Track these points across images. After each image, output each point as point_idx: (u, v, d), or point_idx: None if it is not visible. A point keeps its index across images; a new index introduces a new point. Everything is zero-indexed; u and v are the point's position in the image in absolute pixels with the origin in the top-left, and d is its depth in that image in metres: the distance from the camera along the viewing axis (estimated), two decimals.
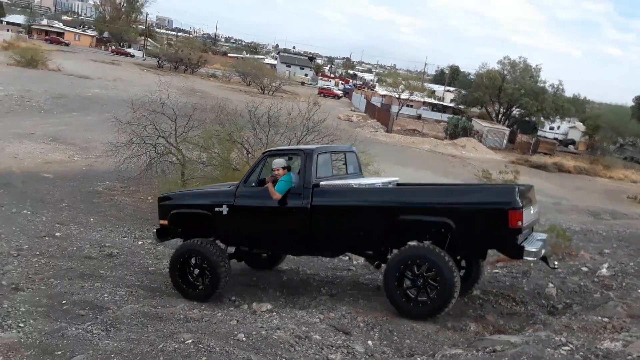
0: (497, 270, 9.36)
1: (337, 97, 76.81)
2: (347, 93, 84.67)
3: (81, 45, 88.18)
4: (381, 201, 6.53)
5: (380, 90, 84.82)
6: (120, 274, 8.40)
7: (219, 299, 7.57)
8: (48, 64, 45.03)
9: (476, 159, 40.81)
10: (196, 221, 7.52)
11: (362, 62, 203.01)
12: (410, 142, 44.92)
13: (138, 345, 4.79)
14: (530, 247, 5.89)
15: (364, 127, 47.36)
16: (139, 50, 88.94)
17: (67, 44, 79.62)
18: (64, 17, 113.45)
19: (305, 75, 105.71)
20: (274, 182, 6.96)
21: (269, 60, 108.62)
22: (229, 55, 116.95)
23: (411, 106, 69.65)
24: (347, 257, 10.23)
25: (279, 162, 7.02)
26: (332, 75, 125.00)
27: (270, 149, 7.90)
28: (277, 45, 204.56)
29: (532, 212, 6.36)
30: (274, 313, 6.17)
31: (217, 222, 7.25)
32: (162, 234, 7.96)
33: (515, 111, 62.80)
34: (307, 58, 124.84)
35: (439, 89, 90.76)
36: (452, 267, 5.89)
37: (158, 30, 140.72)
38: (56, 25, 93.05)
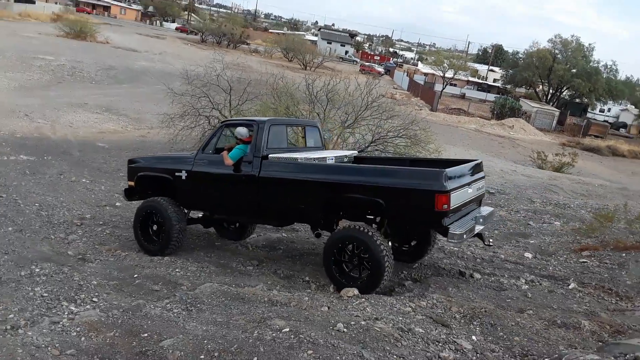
0: (584, 260, 8.63)
1: (379, 74, 75.37)
2: (388, 71, 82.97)
3: (127, 19, 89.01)
4: (319, 177, 6.59)
5: (423, 68, 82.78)
6: (187, 247, 8.05)
7: (292, 279, 7.14)
8: (96, 36, 45.36)
9: (525, 140, 39.36)
10: (159, 184, 7.82)
11: (402, 41, 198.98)
12: (455, 121, 43.69)
13: (229, 330, 4.36)
14: (456, 229, 5.95)
15: (408, 105, 46.22)
16: (183, 24, 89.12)
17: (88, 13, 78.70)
18: None
19: (346, 52, 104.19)
20: (230, 150, 7.11)
21: (309, 37, 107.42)
22: (269, 31, 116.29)
23: (455, 85, 67.80)
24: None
25: (240, 132, 7.17)
26: (372, 53, 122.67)
27: (228, 119, 7.85)
28: (316, 22, 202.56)
29: (469, 191, 6.49)
30: (363, 299, 5.66)
31: (177, 186, 7.54)
32: (130, 194, 8.29)
33: (565, 92, 60.25)
34: (347, 35, 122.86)
35: (482, 68, 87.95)
36: (381, 247, 6.04)
37: (199, 5, 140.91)
38: None
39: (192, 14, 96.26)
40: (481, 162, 7.39)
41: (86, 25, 45.78)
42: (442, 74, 62.94)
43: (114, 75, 29.60)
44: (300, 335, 4.12)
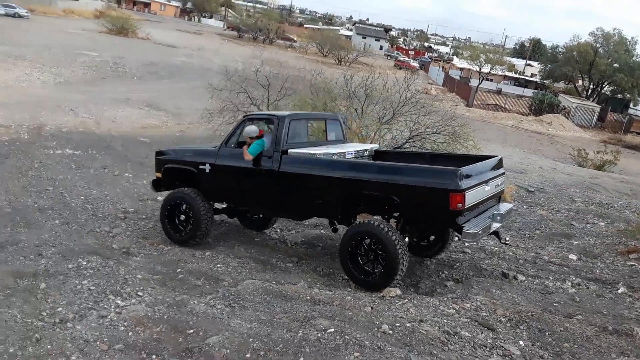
0: (632, 263, 8.33)
1: (414, 69, 74.47)
2: (423, 66, 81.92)
3: (166, 15, 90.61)
4: (336, 173, 6.65)
5: (458, 63, 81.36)
6: (228, 243, 8.13)
7: (332, 276, 7.12)
8: (137, 32, 46.30)
9: (564, 137, 38.30)
10: (185, 176, 7.97)
11: (437, 35, 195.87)
12: (492, 117, 42.83)
13: (273, 329, 4.37)
14: (470, 228, 5.90)
15: (443, 101, 45.61)
16: (220, 20, 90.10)
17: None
18: None
19: (381, 47, 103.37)
20: (250, 145, 7.20)
21: (344, 32, 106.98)
22: (304, 26, 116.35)
23: (491, 80, 66.34)
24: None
25: (247, 131, 7.23)
26: (407, 48, 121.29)
27: (250, 113, 8.12)
28: (350, 17, 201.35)
29: (486, 188, 6.44)
30: (406, 300, 5.59)
31: (202, 178, 7.72)
32: (157, 185, 8.49)
33: (607, 87, 58.20)
34: (382, 30, 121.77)
35: (519, 62, 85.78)
36: (396, 243, 6.04)
37: (236, 1, 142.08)
38: None
39: (229, 10, 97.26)
40: (501, 158, 7.33)
41: (128, 21, 46.77)
42: (478, 69, 61.70)
43: (154, 71, 30.16)
44: (346, 337, 4.09)
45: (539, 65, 73.58)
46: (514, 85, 71.28)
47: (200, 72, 30.89)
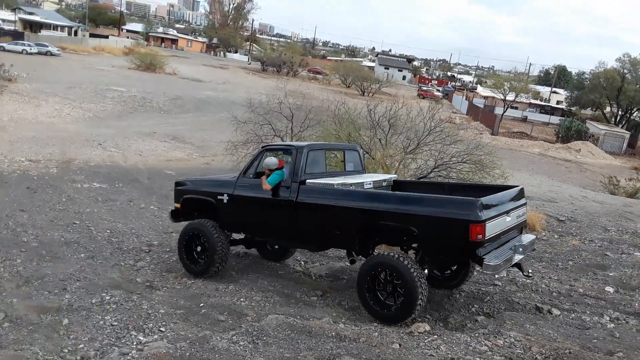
0: None
1: (437, 98, 74.46)
2: (446, 95, 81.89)
3: (193, 51, 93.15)
4: (353, 204, 6.59)
5: (482, 91, 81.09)
6: (252, 276, 8.02)
7: (357, 310, 6.92)
8: (165, 68, 47.58)
9: (593, 165, 37.49)
10: (203, 207, 7.98)
11: (459, 64, 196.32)
12: (518, 145, 42.30)
13: None
14: (491, 260, 5.77)
15: (468, 129, 45.32)
16: (245, 54, 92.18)
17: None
18: (177, 25, 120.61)
19: (404, 77, 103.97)
20: (268, 176, 7.19)
21: (367, 63, 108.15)
22: (327, 58, 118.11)
23: (516, 108, 65.85)
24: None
25: (267, 163, 7.20)
26: (429, 78, 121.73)
27: (268, 144, 8.10)
28: (373, 48, 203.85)
29: (507, 219, 6.34)
30: (435, 336, 5.37)
31: (220, 209, 7.69)
32: (176, 216, 8.49)
33: (636, 114, 57.13)
34: (405, 60, 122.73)
35: (544, 90, 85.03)
36: (415, 274, 5.95)
37: (260, 36, 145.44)
38: (171, 33, 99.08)
39: (254, 44, 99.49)
40: (522, 188, 7.21)
41: (155, 57, 48.15)
42: (502, 97, 61.37)
43: (180, 105, 30.79)
44: None
45: (565, 92, 72.84)
46: (540, 112, 70.57)
47: (225, 105, 31.38)
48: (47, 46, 50.58)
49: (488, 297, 7.53)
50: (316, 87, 56.63)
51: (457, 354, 4.77)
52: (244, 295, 7.09)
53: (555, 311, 6.91)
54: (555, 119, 61.66)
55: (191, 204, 8.15)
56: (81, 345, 5.00)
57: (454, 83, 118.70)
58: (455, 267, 7.56)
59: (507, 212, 6.31)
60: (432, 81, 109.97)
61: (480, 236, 5.58)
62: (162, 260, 8.64)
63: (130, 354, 4.74)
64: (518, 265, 6.66)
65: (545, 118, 65.83)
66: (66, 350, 4.83)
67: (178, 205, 8.36)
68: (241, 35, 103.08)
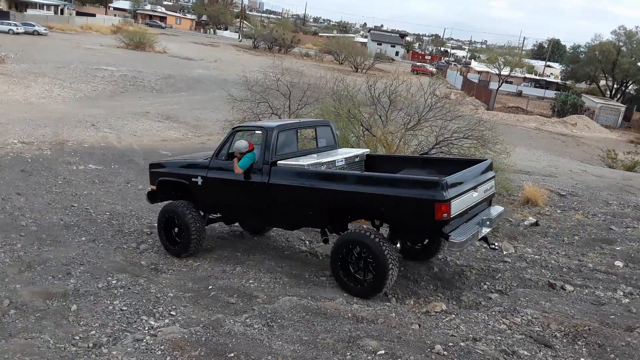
0: None
1: (430, 74, 73.95)
2: (440, 70, 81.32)
3: (182, 28, 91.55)
4: (323, 185, 6.61)
5: (476, 66, 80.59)
6: (258, 257, 7.87)
7: None
8: (154, 46, 46.72)
9: (589, 138, 37.52)
10: (178, 188, 8.03)
11: (452, 39, 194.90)
12: (514, 120, 42.22)
13: (318, 351, 4.09)
14: (456, 237, 5.92)
15: (463, 105, 45.11)
16: (235, 32, 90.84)
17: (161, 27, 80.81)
18: (165, 2, 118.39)
19: (397, 53, 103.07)
20: (240, 158, 7.11)
21: (359, 39, 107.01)
22: (319, 34, 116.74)
23: (511, 82, 65.54)
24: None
25: (237, 147, 7.12)
26: (423, 53, 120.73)
27: (239, 124, 7.99)
28: (365, 24, 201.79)
29: (474, 195, 6.44)
30: (453, 316, 5.26)
31: (194, 191, 7.73)
32: (153, 197, 8.51)
33: (631, 86, 57.05)
34: (397, 35, 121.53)
35: (538, 64, 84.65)
36: (385, 250, 6.07)
37: (250, 12, 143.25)
38: (159, 10, 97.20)
39: (244, 21, 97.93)
40: (491, 162, 7.40)
41: (144, 36, 47.23)
42: (497, 72, 60.99)
43: (172, 84, 30.26)
44: (399, 359, 3.79)
45: (560, 66, 72.50)
46: (535, 87, 70.32)
47: (217, 84, 30.91)
48: (34, 25, 49.39)
49: (499, 275, 7.45)
50: (309, 64, 55.96)
51: (477, 334, 4.67)
52: (252, 276, 6.95)
53: (569, 287, 6.84)
54: (550, 93, 61.45)
55: (167, 186, 8.17)
56: (92, 332, 4.84)
57: (447, 58, 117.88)
58: (426, 242, 7.75)
59: (474, 188, 6.42)
60: (427, 56, 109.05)
61: (445, 215, 5.73)
62: None
63: (144, 340, 4.59)
64: (485, 238, 6.81)
65: (540, 92, 65.61)
66: (77, 337, 4.68)
67: (154, 187, 8.36)
68: (231, 12, 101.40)
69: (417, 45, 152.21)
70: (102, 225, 9.08)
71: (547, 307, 5.90)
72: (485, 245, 7.94)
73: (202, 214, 7.87)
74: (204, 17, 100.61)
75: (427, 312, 5.51)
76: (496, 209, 7.30)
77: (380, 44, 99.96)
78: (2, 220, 8.70)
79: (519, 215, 12.22)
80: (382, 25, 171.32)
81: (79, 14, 76.58)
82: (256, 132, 7.44)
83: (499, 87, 57.48)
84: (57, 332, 4.78)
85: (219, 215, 8.24)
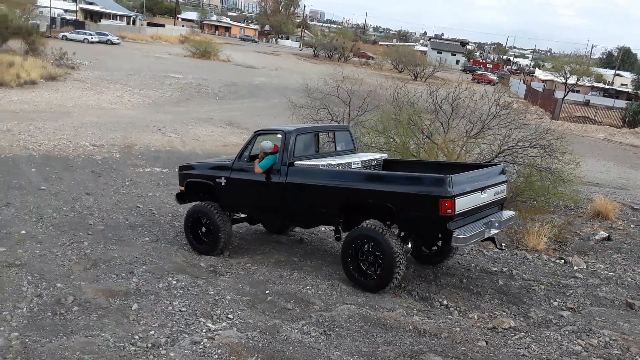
0: None
1: (491, 82, 71.88)
2: (502, 79, 78.91)
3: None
4: (334, 183, 6.94)
5: (541, 75, 77.65)
6: (315, 263, 7.77)
7: (429, 301, 6.56)
8: (219, 55, 48.05)
9: None
10: (205, 189, 8.32)
11: (514, 47, 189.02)
12: (581, 130, 40.16)
13: None
14: (460, 234, 6.08)
15: (527, 114, 43.43)
16: (296, 41, 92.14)
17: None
18: (230, 13, 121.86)
19: (457, 62, 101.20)
20: (261, 159, 7.47)
21: (419, 48, 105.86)
22: (379, 43, 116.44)
23: (577, 91, 62.60)
24: (563, 261, 8.64)
25: (263, 146, 7.43)
26: (484, 62, 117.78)
27: (260, 128, 8.30)
28: (425, 33, 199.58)
29: (483, 195, 6.60)
30: (522, 333, 4.94)
31: (218, 191, 8.07)
32: (181, 198, 8.79)
33: None
34: (458, 44, 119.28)
35: (607, 72, 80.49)
36: (393, 246, 6.30)
37: (311, 22, 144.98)
38: (224, 21, 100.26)
39: (305, 30, 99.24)
40: (503, 167, 7.63)
41: (210, 45, 48.69)
42: (563, 80, 58.44)
43: (235, 91, 30.93)
44: None
45: (631, 74, 68.63)
46: (603, 96, 66.87)
47: (278, 91, 31.31)
48: (107, 35, 52.04)
49: (570, 291, 7.00)
50: (368, 72, 55.83)
51: (550, 354, 4.34)
52: (310, 282, 6.85)
53: None
54: (620, 103, 58.23)
55: (194, 187, 8.49)
56: (152, 332, 4.88)
57: (509, 67, 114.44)
58: (440, 244, 7.77)
59: (482, 189, 6.57)
60: (487, 65, 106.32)
61: (449, 210, 5.94)
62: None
63: (201, 343, 4.56)
64: (492, 239, 6.95)
65: (609, 102, 62.28)
66: (137, 337, 4.72)
67: (182, 188, 8.71)
68: (292, 21, 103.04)
69: (478, 53, 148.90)
70: (164, 227, 9.28)
71: (626, 329, 5.44)
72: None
73: (228, 214, 8.18)
74: (267, 27, 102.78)
75: (494, 328, 5.19)
76: (507, 213, 7.46)
77: (441, 53, 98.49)
78: (72, 219, 9.05)
79: (588, 228, 11.55)
80: (442, 34, 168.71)
81: (149, 24, 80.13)
82: (277, 135, 7.69)
83: (565, 95, 55.04)
84: (117, 330, 4.85)
85: (243, 215, 8.58)
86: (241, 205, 8.21)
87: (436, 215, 5.98)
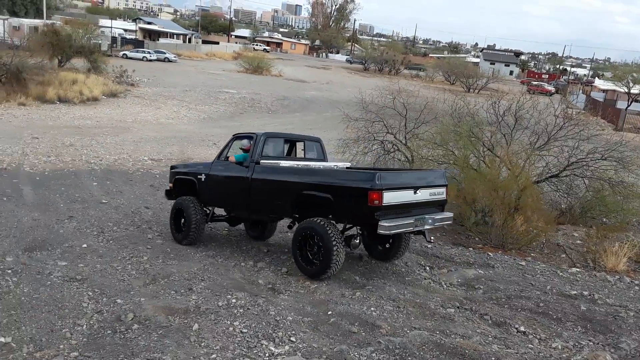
0: None
1: (549, 93, 69.31)
2: (559, 89, 75.99)
3: (296, 53, 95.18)
4: (288, 178, 7.77)
5: (601, 84, 74.29)
6: (378, 282, 7.41)
7: (504, 327, 6.04)
8: (271, 70, 48.71)
9: None
10: (188, 186, 9.20)
11: (570, 57, 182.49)
12: None
13: None
14: (385, 223, 6.73)
15: (587, 125, 41.45)
16: (346, 55, 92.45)
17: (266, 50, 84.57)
18: (281, 30, 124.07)
19: (511, 72, 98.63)
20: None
21: (470, 59, 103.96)
22: (429, 55, 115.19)
23: None
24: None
25: (243, 142, 8.61)
26: (539, 72, 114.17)
27: (237, 132, 9.31)
28: (476, 44, 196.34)
29: (417, 194, 7.30)
30: None
31: (199, 186, 9.02)
32: (170, 194, 9.70)
33: None
34: (512, 54, 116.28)
35: None
36: (332, 237, 6.98)
37: (360, 36, 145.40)
38: (276, 37, 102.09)
39: (355, 44, 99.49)
40: (443, 172, 8.31)
41: (262, 61, 49.47)
42: (625, 90, 55.58)
43: (287, 105, 31.09)
44: None
45: None
46: None
47: (329, 104, 31.26)
48: (164, 53, 53.83)
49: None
50: (419, 85, 55.06)
51: None
52: (373, 303, 6.48)
53: None
54: None
55: (180, 184, 9.39)
56: (213, 355, 4.64)
57: (566, 77, 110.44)
58: (391, 241, 8.32)
59: (415, 188, 7.27)
60: (543, 75, 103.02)
61: (377, 202, 6.67)
62: (281, 262, 8.29)
63: None
64: (422, 233, 7.60)
65: None
66: None
67: (171, 185, 9.62)
68: (342, 36, 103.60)
69: (532, 64, 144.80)
70: (221, 241, 9.17)
71: None
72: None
73: (208, 211, 9.06)
74: (317, 42, 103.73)
75: None
76: (444, 214, 7.99)
77: (494, 64, 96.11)
78: (132, 233, 9.08)
79: None
80: (494, 45, 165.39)
81: (204, 42, 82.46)
82: (250, 137, 8.61)
83: (628, 106, 52.30)
84: (178, 353, 4.64)
85: (224, 215, 9.32)
86: (217, 199, 9.02)
87: (366, 205, 6.70)
